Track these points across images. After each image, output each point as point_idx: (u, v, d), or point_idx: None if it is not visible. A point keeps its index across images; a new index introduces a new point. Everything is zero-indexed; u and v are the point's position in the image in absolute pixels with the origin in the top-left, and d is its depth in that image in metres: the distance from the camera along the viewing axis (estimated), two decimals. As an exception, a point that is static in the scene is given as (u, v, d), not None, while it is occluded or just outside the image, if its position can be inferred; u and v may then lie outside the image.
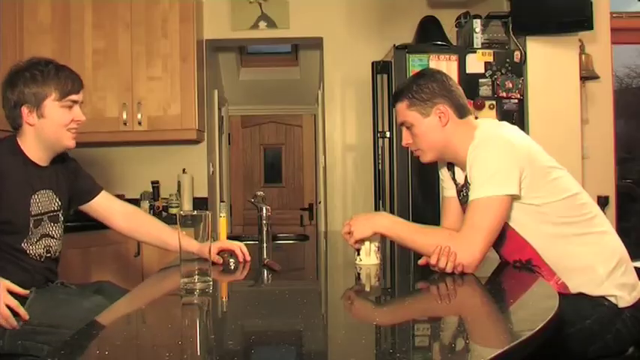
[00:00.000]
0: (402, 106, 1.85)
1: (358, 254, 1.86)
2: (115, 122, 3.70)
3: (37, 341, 1.70)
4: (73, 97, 1.90)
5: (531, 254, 1.75)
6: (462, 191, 1.87)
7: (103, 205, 2.10)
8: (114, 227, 2.12)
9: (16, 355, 1.72)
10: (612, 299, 1.69)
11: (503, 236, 1.76)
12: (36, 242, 1.89)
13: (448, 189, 1.98)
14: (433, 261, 1.66)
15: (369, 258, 1.85)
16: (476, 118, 1.93)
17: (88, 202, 2.09)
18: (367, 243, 1.84)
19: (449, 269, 1.64)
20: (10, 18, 3.43)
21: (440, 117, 1.80)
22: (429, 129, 1.82)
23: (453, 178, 1.94)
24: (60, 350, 1.07)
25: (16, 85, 1.86)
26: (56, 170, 2.00)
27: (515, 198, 1.69)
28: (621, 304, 1.68)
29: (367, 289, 1.75)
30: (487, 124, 1.83)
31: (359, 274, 1.82)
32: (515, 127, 1.83)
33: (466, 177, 1.80)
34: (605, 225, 1.78)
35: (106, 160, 3.95)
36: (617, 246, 1.76)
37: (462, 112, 1.83)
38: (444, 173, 1.99)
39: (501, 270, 1.81)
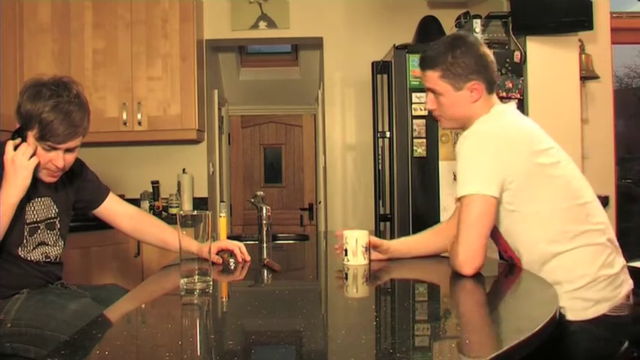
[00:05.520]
0: (433, 75, 1.77)
1: (346, 254, 1.84)
2: (115, 122, 3.70)
3: (24, 342, 1.71)
4: (53, 144, 1.76)
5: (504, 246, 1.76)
6: None
7: (111, 208, 2.09)
8: (119, 228, 2.12)
9: (6, 356, 1.73)
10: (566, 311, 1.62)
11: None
12: (32, 250, 1.88)
13: None
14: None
15: (356, 258, 1.83)
16: None
17: (98, 207, 2.07)
18: (354, 243, 1.82)
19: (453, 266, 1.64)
20: (10, 18, 3.42)
21: (472, 92, 1.75)
22: (458, 102, 1.77)
23: None
24: (60, 350, 1.07)
25: (21, 93, 1.77)
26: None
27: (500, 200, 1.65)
28: (573, 317, 1.61)
29: (367, 289, 1.75)
30: (493, 112, 1.77)
31: (346, 274, 1.81)
32: (518, 117, 1.79)
33: None
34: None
35: (106, 160, 3.94)
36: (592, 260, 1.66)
37: (492, 88, 1.79)
38: None
39: (501, 270, 1.81)
